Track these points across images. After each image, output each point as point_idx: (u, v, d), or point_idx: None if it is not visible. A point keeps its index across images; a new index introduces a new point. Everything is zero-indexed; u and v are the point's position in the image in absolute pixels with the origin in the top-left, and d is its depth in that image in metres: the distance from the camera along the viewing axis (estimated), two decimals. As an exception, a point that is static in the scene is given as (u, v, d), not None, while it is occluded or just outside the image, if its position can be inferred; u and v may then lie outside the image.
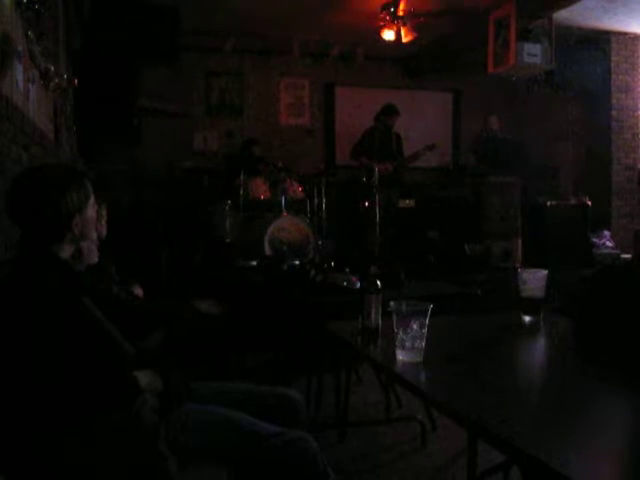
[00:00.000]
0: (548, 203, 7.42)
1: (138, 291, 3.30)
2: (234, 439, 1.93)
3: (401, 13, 6.88)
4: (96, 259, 2.07)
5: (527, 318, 2.33)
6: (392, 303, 1.83)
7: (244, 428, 1.95)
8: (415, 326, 1.79)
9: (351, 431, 3.54)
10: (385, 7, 6.87)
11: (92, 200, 1.95)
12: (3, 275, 1.82)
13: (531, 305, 2.32)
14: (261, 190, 6.92)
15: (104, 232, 3.00)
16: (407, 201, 7.89)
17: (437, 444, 3.44)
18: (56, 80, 4.17)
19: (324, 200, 7.29)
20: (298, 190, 7.05)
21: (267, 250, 6.07)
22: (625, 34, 7.95)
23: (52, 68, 4.01)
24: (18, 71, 3.04)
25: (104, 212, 2.99)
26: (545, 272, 2.33)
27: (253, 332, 4.29)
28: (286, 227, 6.28)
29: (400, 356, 1.83)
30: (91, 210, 1.94)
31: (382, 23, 7.00)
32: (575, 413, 1.47)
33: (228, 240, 6.58)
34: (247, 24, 7.54)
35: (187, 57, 7.74)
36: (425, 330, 1.80)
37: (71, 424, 1.67)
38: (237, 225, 6.66)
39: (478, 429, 1.48)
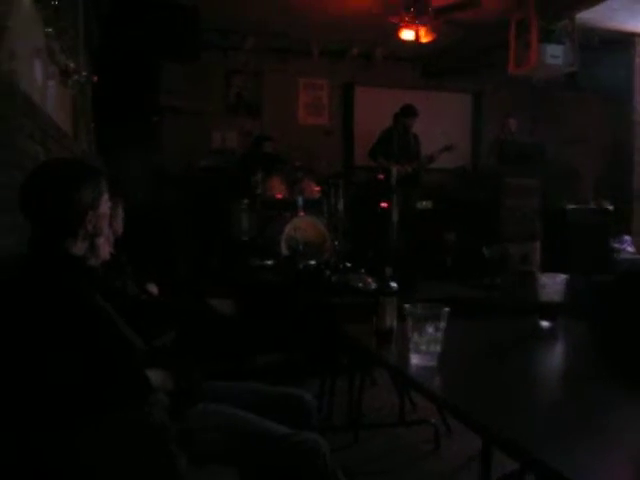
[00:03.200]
0: (568, 207, 7.35)
1: (153, 289, 3.30)
2: (245, 439, 1.91)
3: (421, 13, 6.84)
4: (108, 255, 2.06)
5: (545, 323, 2.30)
6: (407, 306, 1.81)
7: (255, 428, 1.94)
8: (430, 330, 1.76)
9: (364, 434, 3.52)
10: (406, 7, 6.82)
11: (106, 196, 1.94)
12: (15, 271, 1.81)
13: (549, 310, 2.29)
14: (278, 189, 6.91)
15: (120, 230, 3.00)
16: (425, 203, 7.85)
17: (451, 448, 3.41)
18: (75, 77, 4.19)
19: (341, 200, 7.26)
20: (315, 190, 7.03)
21: (283, 250, 6.06)
22: (648, 36, 7.86)
23: (71, 65, 4.02)
24: (37, 68, 3.05)
25: (120, 210, 2.99)
26: (564, 277, 2.30)
27: (267, 332, 4.28)
28: (302, 227, 6.27)
29: (414, 360, 1.80)
30: (105, 206, 1.94)
31: (401, 23, 6.96)
32: (592, 421, 1.43)
33: (245, 239, 6.58)
34: (267, 24, 7.53)
35: (206, 55, 7.72)
36: (440, 334, 1.77)
37: (82, 422, 1.66)
38: (254, 224, 6.65)
39: (491, 435, 1.45)
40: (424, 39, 7.01)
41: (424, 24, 6.89)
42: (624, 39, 7.81)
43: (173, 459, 1.74)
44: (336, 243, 6.49)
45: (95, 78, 5.04)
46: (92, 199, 1.87)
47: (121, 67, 5.59)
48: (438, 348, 1.78)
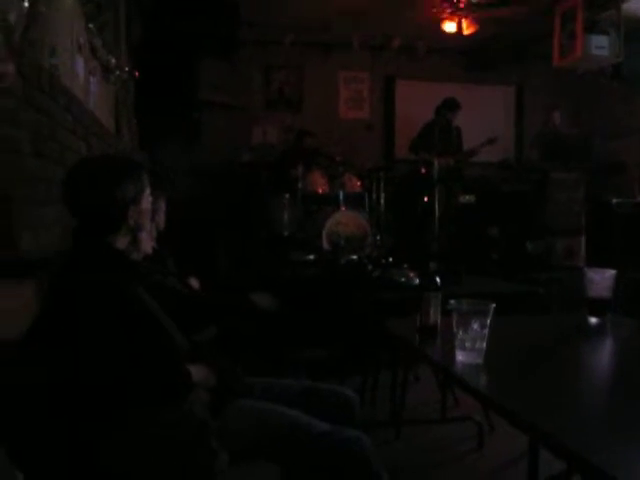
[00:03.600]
0: (614, 200, 7.19)
1: (195, 283, 3.30)
2: (286, 436, 1.90)
3: (462, 5, 6.76)
4: (150, 250, 2.06)
5: (593, 319, 2.23)
6: (452, 301, 1.77)
7: (296, 425, 1.92)
8: (476, 326, 1.72)
9: (406, 430, 3.49)
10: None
11: (148, 191, 1.94)
12: (60, 265, 1.82)
13: (598, 306, 2.23)
14: (319, 184, 6.89)
15: (162, 224, 3.00)
16: (467, 196, 7.75)
17: (494, 446, 3.36)
18: (117, 73, 4.22)
19: (383, 195, 7.22)
20: (356, 184, 7.00)
21: (325, 244, 6.04)
22: (697, 25, 7.64)
23: (113, 60, 4.05)
24: (79, 63, 3.07)
25: (163, 204, 3.00)
26: (613, 272, 2.23)
27: (309, 327, 4.27)
28: (344, 221, 6.24)
29: (459, 357, 1.76)
30: (146, 201, 1.94)
31: (444, 15, 6.89)
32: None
33: (286, 234, 6.58)
34: (307, 19, 7.51)
35: (246, 50, 7.75)
36: (486, 330, 1.73)
37: (124, 418, 1.66)
38: (295, 219, 6.64)
39: (539, 434, 1.41)
40: (466, 31, 6.95)
41: (466, 16, 6.82)
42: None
43: (213, 455, 1.73)
44: (378, 238, 6.45)
45: (137, 74, 5.08)
46: (134, 194, 1.87)
47: (162, 63, 5.63)
48: (484, 345, 1.74)
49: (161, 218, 3.00)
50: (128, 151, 4.65)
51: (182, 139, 6.08)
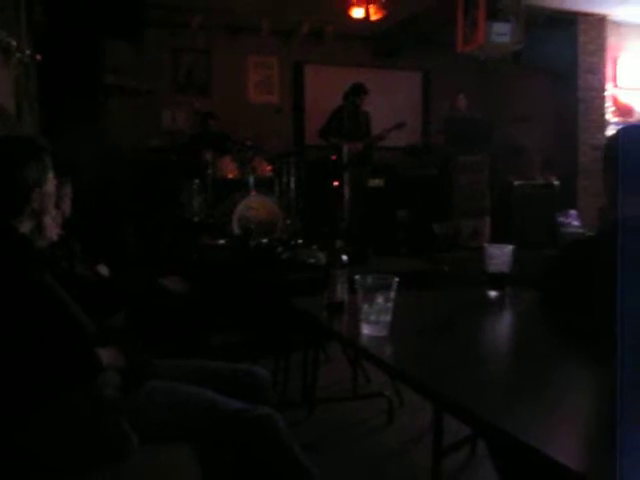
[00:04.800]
0: (516, 182, 7.47)
1: (103, 270, 3.25)
2: (198, 416, 1.91)
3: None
4: (56, 237, 2.03)
5: (493, 293, 2.34)
6: (357, 277, 1.82)
7: (209, 405, 1.93)
8: (380, 300, 1.78)
9: (318, 408, 3.55)
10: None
11: (51, 174, 1.91)
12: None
13: (497, 280, 2.33)
14: (229, 169, 6.87)
15: (68, 210, 2.94)
16: (376, 180, 7.89)
17: (404, 420, 3.46)
18: (18, 55, 4.09)
19: (293, 179, 7.26)
20: (267, 169, 7.02)
21: (235, 229, 6.04)
22: (592, 15, 7.98)
23: (14, 43, 3.92)
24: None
25: (68, 190, 2.94)
26: (511, 247, 2.33)
27: (220, 310, 4.27)
28: (254, 206, 6.26)
29: (365, 330, 1.82)
30: (50, 184, 1.90)
31: (351, 0, 6.97)
32: (541, 386, 1.47)
33: (196, 219, 6.54)
34: (215, 0, 7.44)
35: (153, 33, 7.62)
36: (391, 304, 1.79)
37: (32, 402, 1.64)
38: (205, 204, 6.61)
39: (441, 400, 1.48)
40: (374, 16, 7.03)
41: (373, 2, 6.91)
42: (568, 18, 7.92)
43: (125, 437, 1.73)
44: (288, 222, 6.49)
45: (39, 57, 4.93)
46: (37, 176, 1.84)
47: (65, 46, 5.47)
48: (388, 318, 1.79)
49: (67, 204, 2.93)
50: (30, 135, 4.51)
51: (88, 123, 5.93)
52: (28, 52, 4.57)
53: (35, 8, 5.05)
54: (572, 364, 1.65)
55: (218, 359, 2.37)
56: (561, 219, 7.63)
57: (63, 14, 5.29)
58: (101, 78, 6.06)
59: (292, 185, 7.25)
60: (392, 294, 1.78)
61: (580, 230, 7.54)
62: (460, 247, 6.87)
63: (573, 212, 7.83)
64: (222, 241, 5.68)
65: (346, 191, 7.15)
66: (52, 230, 1.98)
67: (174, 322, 3.38)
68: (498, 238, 7.01)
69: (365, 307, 1.79)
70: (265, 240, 4.69)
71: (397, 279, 1.79)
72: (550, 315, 2.14)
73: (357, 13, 7.05)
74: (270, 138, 7.93)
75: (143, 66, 7.90)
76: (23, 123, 4.48)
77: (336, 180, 7.32)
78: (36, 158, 1.85)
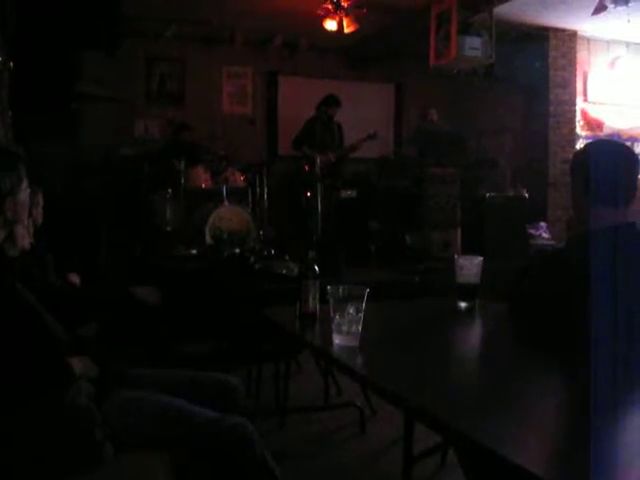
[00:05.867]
0: (487, 194, 7.54)
1: (75, 279, 3.24)
2: (171, 425, 1.92)
3: (344, 3, 6.91)
4: (28, 245, 2.03)
5: (463, 303, 2.37)
6: (329, 287, 1.84)
7: (181, 414, 1.95)
8: (351, 310, 1.80)
9: (290, 418, 3.57)
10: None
11: (25, 183, 1.91)
12: None
13: (467, 291, 2.36)
14: (202, 179, 6.87)
15: (40, 219, 2.93)
16: (349, 191, 7.93)
17: (376, 429, 3.49)
18: (-11, 63, 4.06)
19: (266, 189, 7.28)
20: (240, 179, 7.02)
21: (208, 239, 6.03)
22: (563, 30, 8.13)
23: (-15, 50, 3.90)
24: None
25: (40, 198, 2.93)
26: (481, 259, 2.37)
27: (192, 320, 4.27)
28: (227, 216, 6.25)
29: (337, 340, 1.84)
30: (24, 193, 1.90)
31: (325, 13, 7.02)
32: (510, 395, 1.50)
33: (169, 228, 6.52)
34: (189, 10, 7.45)
35: (127, 42, 7.59)
36: (362, 314, 1.81)
37: (5, 410, 1.64)
38: (178, 213, 6.60)
39: (413, 411, 1.51)
40: (347, 29, 7.09)
41: (347, 14, 6.97)
42: (539, 33, 8.06)
43: (98, 446, 1.74)
44: (261, 232, 6.51)
45: (11, 65, 4.90)
46: (11, 185, 1.83)
47: (38, 54, 5.44)
48: (359, 328, 1.82)
49: (39, 212, 2.92)
50: (3, 143, 4.48)
51: (60, 132, 5.91)
52: (0, 59, 4.55)
53: (8, 14, 5.03)
54: (541, 374, 1.69)
55: (191, 368, 2.38)
56: (531, 231, 7.73)
57: (37, 21, 5.26)
58: (74, 86, 6.03)
59: (265, 195, 7.27)
60: (363, 305, 1.81)
61: (549, 242, 7.65)
62: (431, 258, 6.92)
63: (543, 224, 7.94)
64: (194, 251, 5.68)
65: (319, 201, 7.18)
66: (24, 239, 1.98)
67: (146, 331, 3.37)
68: (469, 249, 7.08)
69: (337, 318, 1.82)
70: (238, 250, 4.70)
71: (368, 290, 1.82)
72: (519, 326, 2.18)
73: (330, 25, 7.10)
74: (243, 148, 7.95)
75: (117, 75, 7.88)
76: (-5, 131, 4.45)
77: (309, 191, 7.35)
78: (10, 167, 1.85)
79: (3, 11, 4.80)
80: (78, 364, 1.84)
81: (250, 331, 3.88)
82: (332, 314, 1.83)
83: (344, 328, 1.81)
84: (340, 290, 1.82)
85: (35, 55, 5.39)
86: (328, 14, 6.99)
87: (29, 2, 5.30)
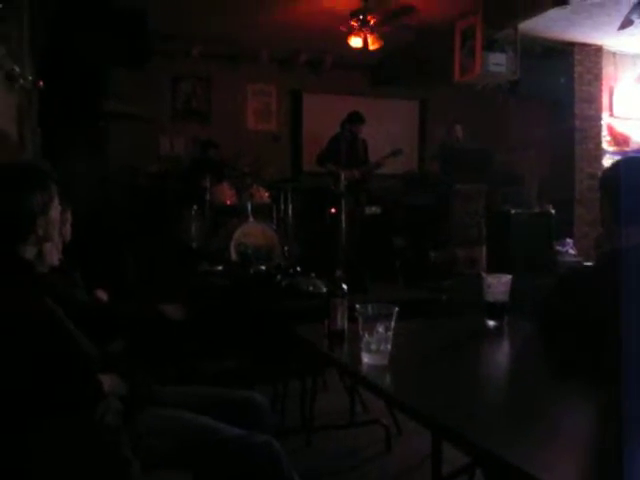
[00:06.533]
0: (512, 211, 7.49)
1: (102, 295, 3.26)
2: (198, 443, 1.92)
3: (370, 20, 6.93)
4: (57, 262, 2.05)
5: (491, 322, 2.35)
6: (358, 306, 1.84)
7: (208, 432, 1.94)
8: (381, 329, 1.79)
9: (316, 436, 3.55)
10: (354, 14, 6.90)
11: (56, 201, 1.93)
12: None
13: (495, 309, 2.34)
14: (227, 195, 6.90)
15: (68, 235, 2.96)
16: (373, 208, 7.93)
17: (402, 448, 3.46)
18: (21, 81, 4.13)
19: (290, 206, 7.30)
20: (264, 196, 7.05)
21: (233, 255, 6.05)
22: (589, 46, 8.08)
23: (17, 69, 3.97)
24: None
25: (69, 215, 2.96)
26: (509, 277, 2.35)
27: (218, 337, 4.27)
28: (252, 232, 6.27)
29: (365, 359, 1.83)
30: (55, 211, 1.92)
31: (350, 30, 7.05)
32: (539, 414, 1.48)
33: (194, 245, 6.56)
34: (215, 30, 7.53)
35: (154, 61, 7.68)
36: (391, 333, 1.80)
37: (34, 426, 1.65)
38: (203, 230, 6.63)
39: (441, 430, 1.49)
40: (372, 46, 7.11)
41: (372, 31, 6.99)
42: (564, 48, 8.02)
43: (126, 464, 1.74)
44: (286, 248, 6.51)
45: (41, 83, 4.97)
46: (42, 204, 1.85)
47: (67, 72, 5.53)
48: (389, 347, 1.81)
49: (67, 230, 2.95)
50: (33, 161, 4.54)
51: (88, 149, 5.98)
52: (30, 78, 4.62)
53: (38, 34, 5.11)
54: (571, 394, 1.67)
55: (217, 386, 2.38)
56: (558, 247, 7.65)
57: (66, 42, 5.34)
58: (102, 104, 6.11)
59: (289, 212, 7.29)
60: (392, 323, 1.80)
61: (576, 259, 7.57)
62: (456, 275, 6.88)
63: (569, 241, 7.85)
64: (220, 267, 5.69)
65: (343, 218, 7.18)
66: (53, 256, 2.00)
67: (173, 349, 3.38)
68: (495, 266, 7.04)
69: (366, 336, 1.81)
70: (263, 267, 4.70)
71: (397, 308, 1.81)
72: (548, 344, 2.15)
73: (355, 43, 7.12)
74: (268, 165, 7.99)
75: (143, 93, 7.97)
76: (25, 149, 4.51)
77: (333, 207, 7.35)
78: (42, 185, 1.87)
79: (33, 31, 4.88)
80: (107, 381, 1.85)
81: (276, 348, 3.88)
82: (361, 332, 1.82)
83: (373, 347, 1.80)
84: (369, 309, 1.81)
85: (64, 73, 5.47)
86: (353, 31, 7.02)
87: (58, 20, 5.39)
